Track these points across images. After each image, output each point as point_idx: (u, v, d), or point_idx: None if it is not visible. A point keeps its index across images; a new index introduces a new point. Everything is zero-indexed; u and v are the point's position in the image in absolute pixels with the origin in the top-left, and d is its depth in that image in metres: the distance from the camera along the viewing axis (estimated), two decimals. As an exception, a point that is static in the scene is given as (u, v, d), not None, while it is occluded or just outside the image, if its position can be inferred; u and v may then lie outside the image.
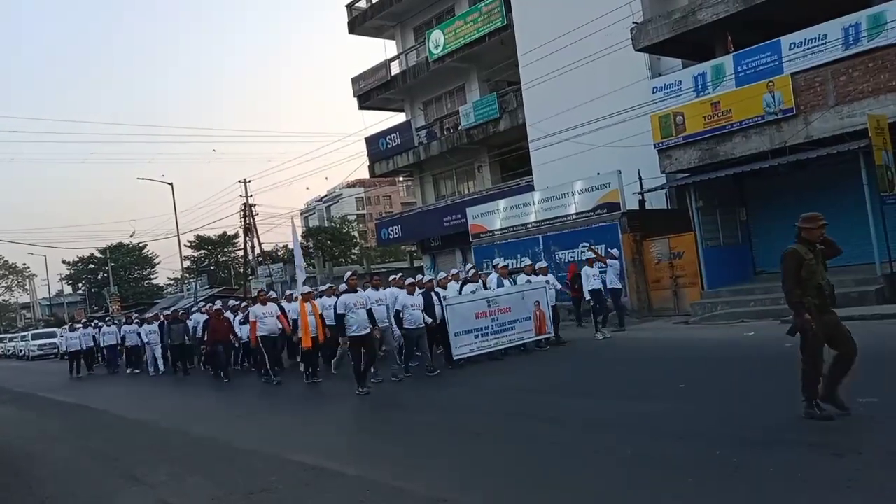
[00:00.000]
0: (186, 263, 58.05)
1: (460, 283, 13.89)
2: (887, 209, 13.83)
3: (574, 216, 18.36)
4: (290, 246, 17.93)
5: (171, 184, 41.71)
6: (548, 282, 13.73)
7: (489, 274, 15.06)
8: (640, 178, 18.05)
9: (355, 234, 62.84)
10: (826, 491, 4.46)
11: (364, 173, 35.34)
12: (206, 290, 43.44)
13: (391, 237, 30.86)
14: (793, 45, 15.22)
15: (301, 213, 76.64)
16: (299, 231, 63.71)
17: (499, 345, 12.43)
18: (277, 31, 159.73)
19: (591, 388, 9.26)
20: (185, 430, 9.54)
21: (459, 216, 23.93)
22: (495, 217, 20.63)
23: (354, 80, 31.59)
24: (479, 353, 12.16)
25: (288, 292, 17.60)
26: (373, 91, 30.84)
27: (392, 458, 6.80)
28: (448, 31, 26.35)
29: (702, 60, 17.23)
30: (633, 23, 18.18)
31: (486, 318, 12.37)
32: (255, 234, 40.61)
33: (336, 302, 11.09)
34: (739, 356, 9.98)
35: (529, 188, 22.45)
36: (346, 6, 31.70)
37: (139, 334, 19.92)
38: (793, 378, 6.18)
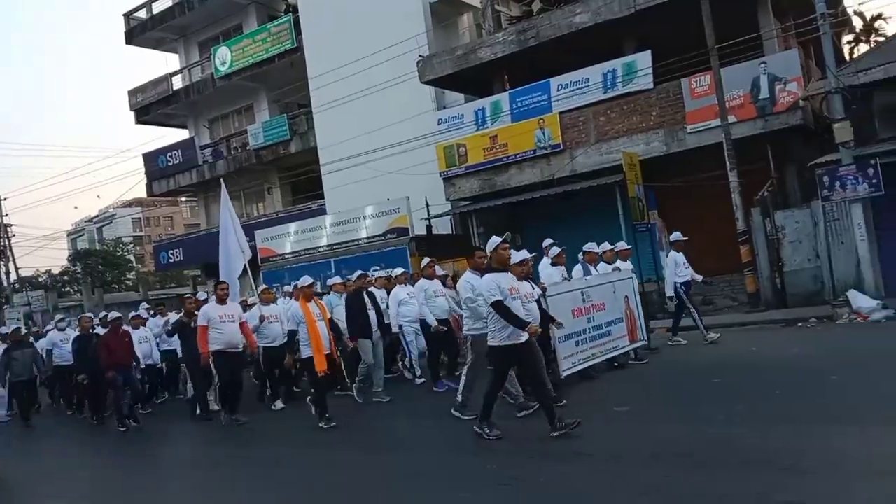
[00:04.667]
0: (-78, 291, 50.13)
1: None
2: (639, 236, 15.63)
3: (365, 240, 18.61)
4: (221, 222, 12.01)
5: None
6: (634, 271, 10.52)
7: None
8: (427, 205, 18.78)
9: (131, 257, 58.27)
10: (591, 494, 4.94)
11: (142, 192, 32.99)
12: (-54, 321, 37.80)
13: (171, 261, 29.11)
14: (560, 87, 16.80)
15: (68, 235, 69.59)
16: (64, 254, 57.86)
17: (596, 356, 8.92)
18: (44, 35, 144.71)
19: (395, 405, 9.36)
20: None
21: (248, 239, 23.12)
22: (286, 240, 20.29)
23: (132, 93, 29.66)
24: (579, 367, 8.56)
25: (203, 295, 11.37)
26: (152, 105, 29.15)
27: (147, 498, 6.47)
28: (236, 49, 25.66)
29: (483, 96, 18.43)
30: (419, 56, 18.99)
31: (583, 318, 8.83)
32: (10, 258, 36.31)
33: (485, 282, 6.55)
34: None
35: (321, 212, 22.40)
36: (124, 15, 29.69)
37: None
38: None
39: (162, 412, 11.39)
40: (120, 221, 69.80)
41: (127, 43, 29.82)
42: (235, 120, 28.69)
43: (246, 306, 11.00)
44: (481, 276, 6.71)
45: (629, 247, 10.85)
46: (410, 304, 10.04)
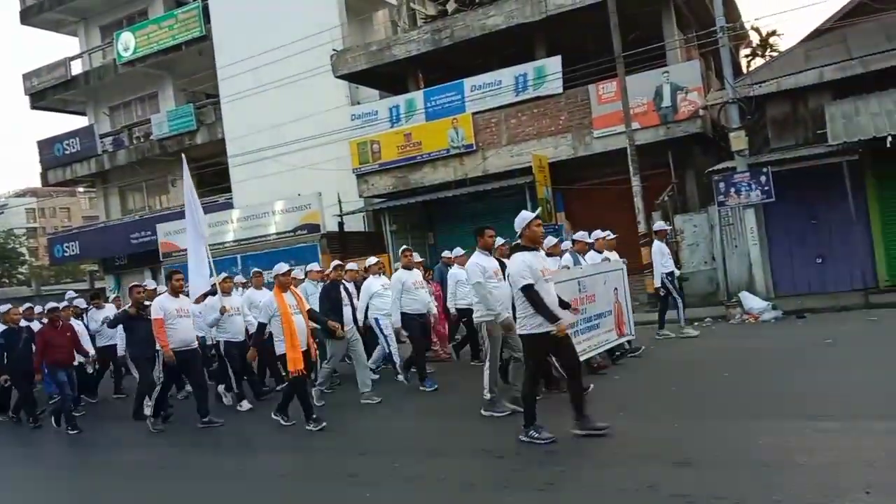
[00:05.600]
0: None
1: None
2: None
3: (274, 236, 18.23)
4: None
5: None
6: (625, 262, 10.01)
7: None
8: (340, 201, 18.55)
9: (23, 250, 54.98)
10: (489, 491, 4.98)
11: (36, 181, 31.18)
12: None
13: (67, 254, 27.59)
14: (474, 87, 16.94)
15: (-48, 225, 64.97)
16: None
17: (587, 350, 8.35)
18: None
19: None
20: None
21: (149, 233, 22.34)
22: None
23: (26, 77, 27.99)
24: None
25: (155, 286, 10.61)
26: (49, 90, 27.58)
27: None
28: (140, 35, 24.57)
29: (397, 93, 18.36)
30: (333, 50, 18.73)
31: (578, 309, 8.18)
32: None
33: (515, 263, 5.90)
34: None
35: (228, 206, 21.78)
36: (17, -8, 27.98)
37: None
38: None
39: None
40: (12, 212, 65.80)
41: (22, 23, 28.11)
42: (138, 108, 27.46)
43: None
44: (508, 257, 6.35)
45: (615, 235, 10.37)
46: (384, 296, 9.36)
